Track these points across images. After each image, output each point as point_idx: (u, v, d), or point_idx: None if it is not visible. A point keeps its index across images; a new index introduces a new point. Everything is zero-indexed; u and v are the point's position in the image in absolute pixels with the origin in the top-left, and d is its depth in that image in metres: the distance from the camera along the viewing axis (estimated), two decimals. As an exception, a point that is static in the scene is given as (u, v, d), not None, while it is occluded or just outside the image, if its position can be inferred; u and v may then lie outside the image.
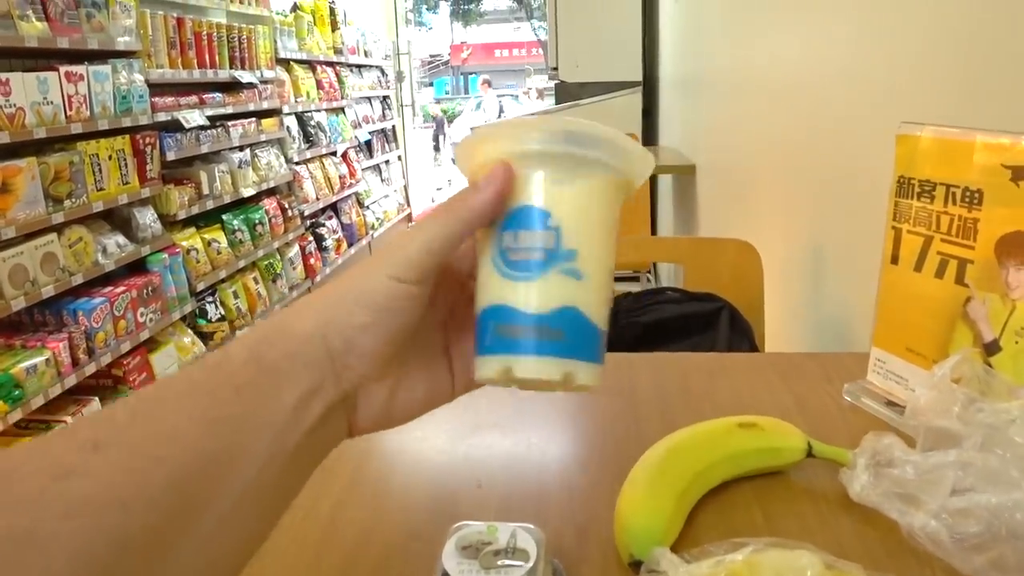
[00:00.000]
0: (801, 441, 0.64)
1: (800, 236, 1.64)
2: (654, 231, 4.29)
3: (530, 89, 17.27)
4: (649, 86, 4.71)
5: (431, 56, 30.56)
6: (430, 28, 30.01)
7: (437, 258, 0.40)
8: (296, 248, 4.56)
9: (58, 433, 0.35)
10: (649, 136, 4.71)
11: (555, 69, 4.83)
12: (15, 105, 2.43)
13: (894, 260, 0.77)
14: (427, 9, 28.65)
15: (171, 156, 3.28)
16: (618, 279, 1.43)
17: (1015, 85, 0.84)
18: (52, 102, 2.59)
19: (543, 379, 0.39)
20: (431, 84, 30.49)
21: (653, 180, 4.58)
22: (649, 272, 3.61)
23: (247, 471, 0.37)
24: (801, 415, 0.77)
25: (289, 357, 0.38)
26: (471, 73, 32.65)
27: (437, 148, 11.98)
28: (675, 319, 1.19)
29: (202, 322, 3.48)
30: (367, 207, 6.08)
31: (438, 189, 9.04)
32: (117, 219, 3.03)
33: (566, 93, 4.88)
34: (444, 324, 0.46)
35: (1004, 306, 0.68)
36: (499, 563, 0.47)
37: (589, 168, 0.40)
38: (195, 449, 0.35)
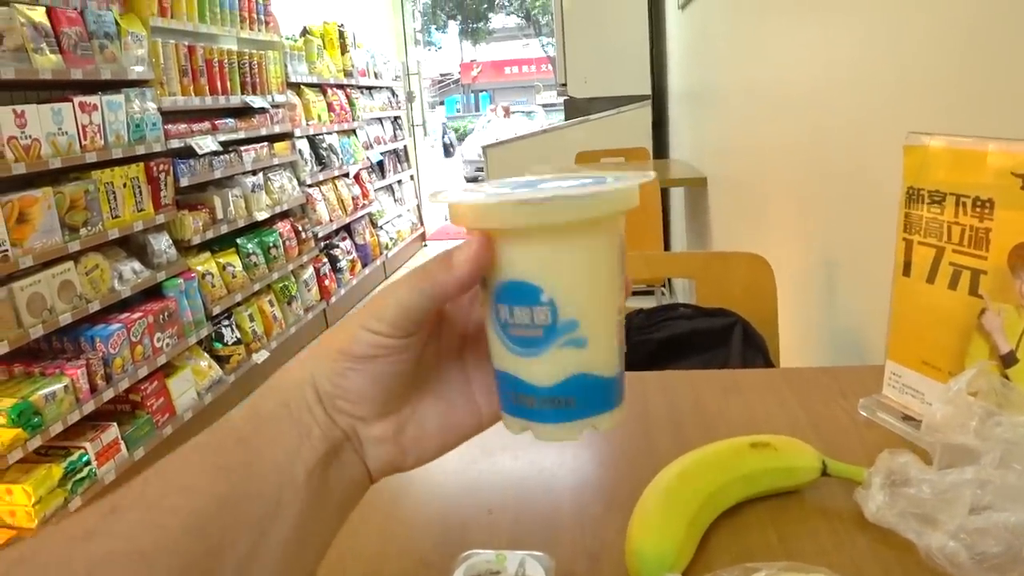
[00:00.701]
0: (815, 460, 0.63)
1: (813, 248, 1.62)
2: (666, 244, 4.28)
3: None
4: (658, 99, 4.72)
5: (441, 75, 30.79)
6: (439, 48, 30.26)
7: (414, 317, 0.40)
8: (311, 270, 4.59)
9: (78, 510, 0.37)
10: (660, 149, 4.71)
11: (564, 85, 4.85)
12: (31, 136, 2.47)
13: (906, 272, 0.76)
14: (436, 29, 28.91)
15: (185, 182, 3.31)
16: (631, 294, 1.42)
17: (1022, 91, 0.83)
18: (67, 132, 2.63)
19: (563, 439, 0.41)
20: (442, 103, 30.70)
21: (665, 193, 4.58)
22: (664, 286, 3.60)
23: (262, 512, 0.38)
24: (815, 432, 0.75)
25: (284, 405, 0.41)
26: (481, 91, 32.86)
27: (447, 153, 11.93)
28: (688, 335, 1.18)
29: (218, 346, 3.49)
30: (380, 227, 6.10)
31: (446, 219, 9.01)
32: (133, 246, 3.06)
33: (575, 108, 4.90)
34: (460, 355, 0.46)
35: (1020, 316, 0.67)
36: None
37: (575, 232, 0.38)
38: (208, 494, 0.37)
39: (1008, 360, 0.69)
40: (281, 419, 0.40)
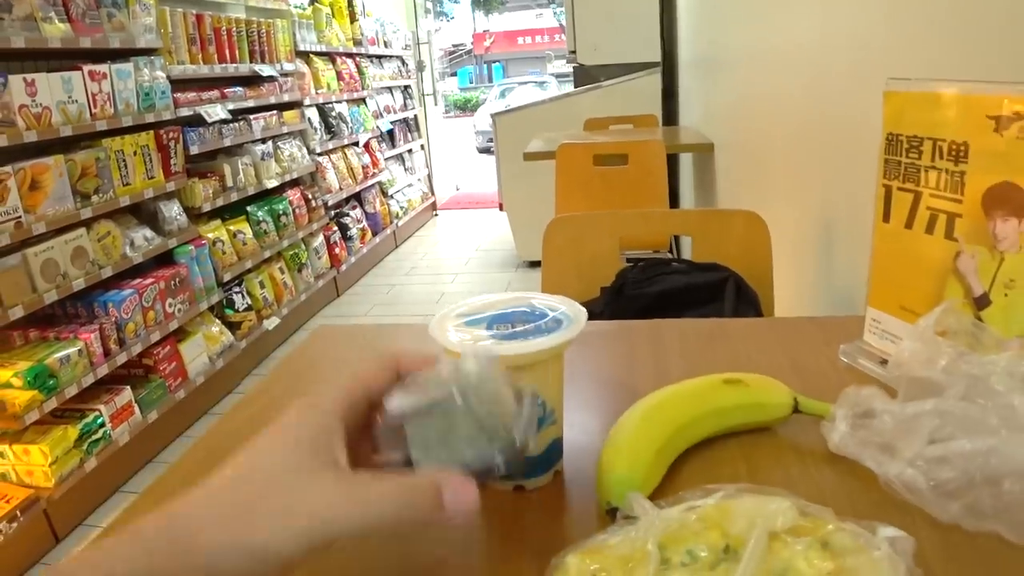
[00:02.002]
0: (787, 396, 0.65)
1: (811, 207, 1.63)
2: (674, 208, 4.27)
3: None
4: (668, 66, 4.68)
5: (454, 46, 30.57)
6: (452, 18, 29.99)
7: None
8: (321, 238, 4.62)
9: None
10: (669, 116, 4.68)
11: (573, 52, 4.81)
12: (41, 105, 2.49)
13: (885, 218, 0.77)
14: (449, -1, 28.61)
15: (195, 150, 3.33)
16: (636, 260, 1.43)
17: (1006, 36, 0.83)
18: (77, 101, 2.65)
19: (544, 483, 0.59)
20: (454, 74, 30.51)
21: (674, 159, 4.56)
22: (670, 252, 3.60)
23: None
24: (797, 376, 0.77)
25: None
26: (494, 61, 32.62)
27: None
28: (681, 290, 1.20)
29: (230, 312, 3.54)
30: (391, 196, 6.12)
31: (457, 188, 8.98)
32: (144, 213, 3.09)
33: (585, 76, 4.87)
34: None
35: (993, 259, 0.68)
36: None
37: (553, 359, 0.56)
38: None
39: (981, 302, 0.70)
40: None
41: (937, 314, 0.63)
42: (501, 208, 4.97)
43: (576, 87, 4.93)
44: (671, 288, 1.17)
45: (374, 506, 0.39)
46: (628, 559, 0.43)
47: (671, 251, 3.22)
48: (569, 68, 5.27)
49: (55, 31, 2.56)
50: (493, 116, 4.87)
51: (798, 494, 0.50)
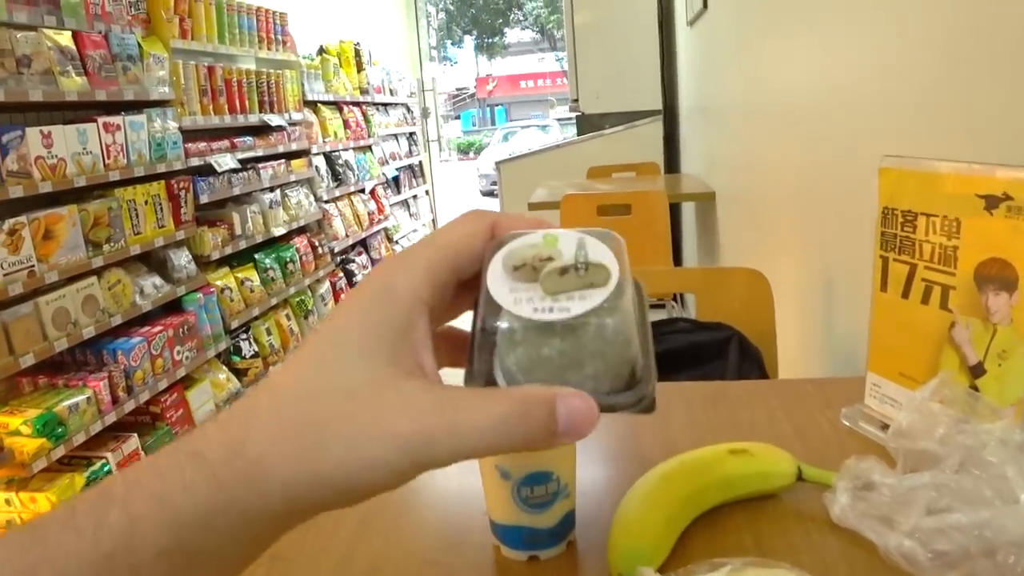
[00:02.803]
0: (791, 465, 0.67)
1: (813, 264, 1.66)
2: (677, 257, 4.32)
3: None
4: (670, 114, 4.76)
5: (457, 89, 31.00)
6: (455, 63, 30.47)
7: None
8: (327, 285, 4.66)
9: None
10: (671, 163, 4.75)
11: (575, 101, 4.91)
12: (57, 156, 2.55)
13: (883, 287, 0.80)
14: (452, 44, 29.10)
15: (204, 199, 3.39)
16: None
17: (997, 116, 0.87)
18: (91, 152, 2.71)
19: (557, 554, 0.62)
20: (458, 117, 30.87)
21: (675, 208, 4.61)
22: (675, 299, 3.63)
23: None
24: (799, 440, 0.79)
25: (233, 542, 0.32)
26: (497, 105, 33.04)
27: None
28: (686, 348, 1.22)
29: (236, 359, 3.56)
30: (396, 242, 6.18)
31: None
32: (153, 261, 3.14)
33: (588, 124, 4.95)
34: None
35: (986, 330, 0.71)
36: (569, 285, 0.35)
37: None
38: None
39: (977, 371, 0.73)
40: (229, 558, 0.32)
41: (933, 385, 0.66)
42: (505, 254, 5.01)
43: (579, 134, 5.01)
44: (676, 347, 1.20)
45: (475, 423, 0.32)
46: None
47: (675, 299, 3.26)
48: (570, 113, 5.37)
49: (72, 85, 2.63)
50: (498, 163, 4.94)
51: (802, 563, 0.52)
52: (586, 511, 0.65)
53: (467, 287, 0.38)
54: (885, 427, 0.80)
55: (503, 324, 0.34)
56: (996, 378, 0.71)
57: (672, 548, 0.59)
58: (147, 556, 0.29)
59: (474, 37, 29.03)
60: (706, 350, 1.19)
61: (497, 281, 0.35)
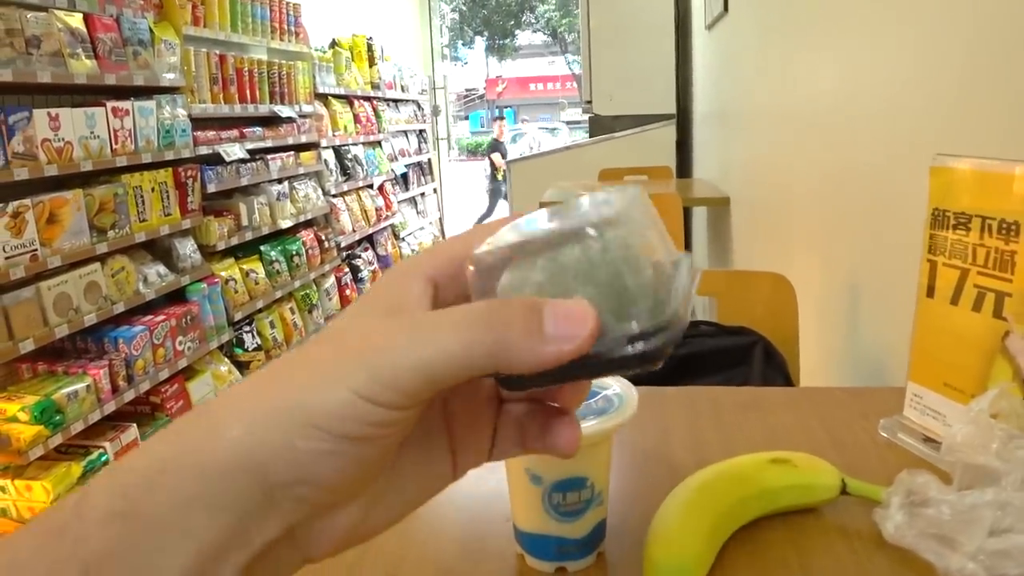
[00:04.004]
0: (835, 478, 0.63)
1: (836, 270, 1.62)
2: (688, 263, 4.26)
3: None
4: (683, 119, 4.73)
5: (466, 90, 31.00)
6: (465, 63, 30.46)
7: (444, 383, 0.28)
8: (332, 279, 4.62)
9: None
10: (684, 168, 4.71)
11: (589, 102, 4.87)
12: (64, 139, 2.52)
13: (930, 293, 0.76)
14: (463, 44, 29.10)
15: (212, 188, 3.36)
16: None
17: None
18: (99, 136, 2.68)
19: (588, 565, 0.58)
20: (466, 118, 30.87)
21: (688, 212, 4.57)
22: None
23: None
24: (836, 450, 0.75)
25: (184, 506, 0.26)
26: (506, 107, 33.06)
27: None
28: (709, 353, 1.18)
29: (239, 351, 3.53)
30: (402, 239, 6.14)
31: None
32: (158, 249, 3.10)
33: (600, 126, 4.91)
34: (446, 406, 0.34)
35: (1044, 341, 0.67)
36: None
37: (604, 441, 0.56)
38: None
39: (1032, 384, 0.69)
40: (170, 532, 0.26)
41: (991, 397, 0.62)
42: (512, 254, 4.97)
43: (591, 136, 4.97)
44: (698, 351, 1.16)
45: (440, 322, 0.28)
46: None
47: (684, 304, 3.21)
48: (581, 116, 5.33)
49: (81, 67, 2.60)
50: (508, 163, 4.90)
51: (850, 584, 0.48)
52: (614, 520, 0.61)
53: None
54: (927, 440, 0.76)
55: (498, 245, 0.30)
56: (1053, 392, 0.67)
57: (712, 563, 0.55)
58: (94, 520, 0.26)
59: (485, 38, 29.02)
60: (730, 355, 1.15)
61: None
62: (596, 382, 0.58)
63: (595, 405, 0.55)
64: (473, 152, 24.15)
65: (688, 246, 4.59)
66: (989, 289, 0.70)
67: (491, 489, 0.70)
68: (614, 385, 0.57)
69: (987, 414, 0.61)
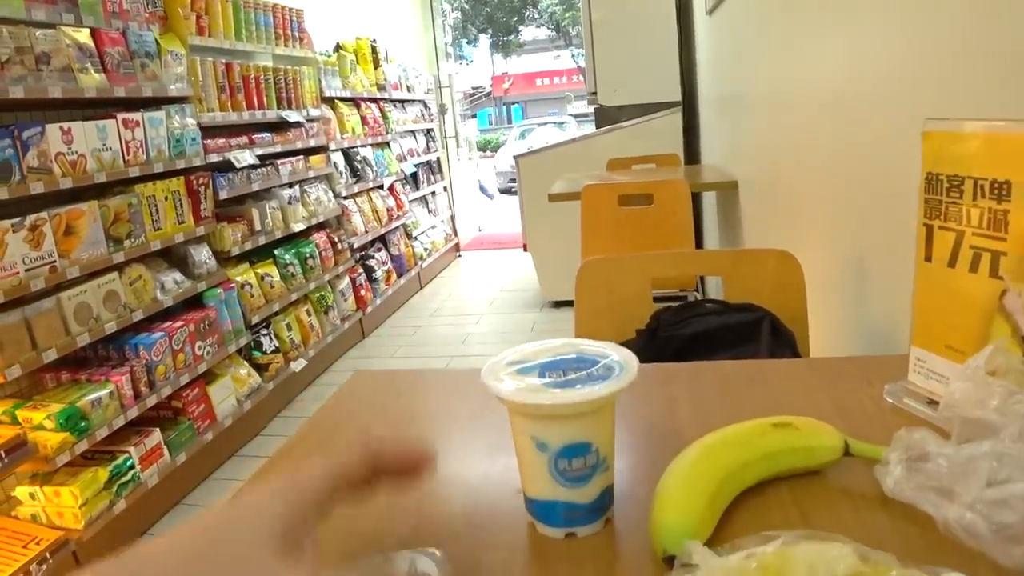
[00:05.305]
0: (837, 439, 0.64)
1: (842, 245, 1.62)
2: (699, 247, 4.27)
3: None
4: (689, 105, 4.71)
5: (473, 88, 31.00)
6: (471, 61, 30.45)
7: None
8: (347, 280, 4.65)
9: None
10: (691, 154, 4.70)
11: (594, 94, 4.87)
12: (77, 152, 2.56)
13: (927, 258, 0.77)
14: (467, 43, 29.09)
15: (224, 195, 3.39)
16: (663, 298, 1.44)
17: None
18: (111, 148, 2.72)
19: (597, 531, 0.59)
20: (474, 116, 30.91)
21: (696, 197, 4.56)
22: (697, 291, 3.59)
23: None
24: (841, 417, 0.76)
25: None
26: (513, 103, 33.02)
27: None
28: (716, 330, 1.19)
29: (257, 354, 3.56)
30: (415, 238, 6.17)
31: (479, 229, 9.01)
32: (174, 257, 3.14)
33: (606, 117, 4.91)
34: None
35: (1041, 298, 0.68)
36: None
37: (608, 406, 0.57)
38: None
39: (1031, 341, 0.70)
40: None
41: (987, 354, 0.63)
42: (525, 248, 4.99)
43: (597, 127, 4.97)
44: (705, 329, 1.17)
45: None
46: None
47: (697, 290, 3.22)
48: (588, 108, 5.33)
49: (91, 81, 2.64)
50: (516, 158, 4.92)
51: (854, 539, 0.49)
52: (621, 487, 0.63)
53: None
54: (931, 403, 0.77)
55: None
56: (1051, 348, 0.68)
57: (716, 524, 0.57)
58: None
59: (489, 35, 29.00)
60: (738, 332, 1.16)
61: None
62: (595, 351, 0.59)
63: (596, 372, 0.56)
64: (483, 149, 24.17)
65: (699, 230, 4.59)
66: (985, 249, 0.71)
67: (503, 465, 0.72)
68: (613, 353, 0.59)
69: (983, 371, 0.62)
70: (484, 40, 29.52)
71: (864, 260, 1.47)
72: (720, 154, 3.84)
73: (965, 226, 0.72)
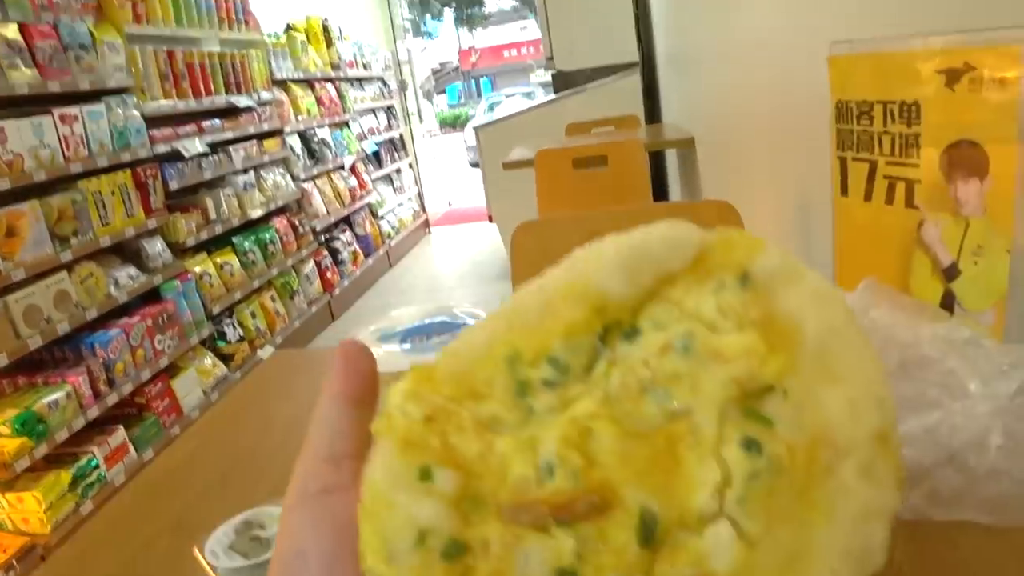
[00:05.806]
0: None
1: (787, 192, 1.59)
2: (665, 210, 4.23)
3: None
4: (648, 65, 4.65)
5: (441, 64, 30.66)
6: (436, 37, 30.09)
7: None
8: (311, 264, 4.59)
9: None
10: (652, 114, 4.65)
11: (551, 59, 4.79)
12: (12, 151, 2.47)
13: (843, 191, 0.74)
14: (432, 18, 28.73)
15: (174, 185, 3.31)
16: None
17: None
18: (49, 145, 2.63)
19: None
20: (443, 92, 30.60)
21: (659, 156, 4.53)
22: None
23: None
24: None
25: None
26: (482, 76, 32.73)
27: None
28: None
29: (221, 344, 3.51)
30: (381, 217, 6.10)
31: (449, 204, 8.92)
32: (127, 252, 3.06)
33: (566, 82, 4.84)
34: None
35: (957, 226, 0.64)
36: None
37: None
38: None
39: (950, 273, 0.67)
40: None
41: (858, 292, 0.59)
42: (491, 220, 4.95)
43: (556, 92, 4.90)
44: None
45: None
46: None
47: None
48: (548, 76, 5.25)
49: (21, 77, 2.54)
50: (476, 129, 4.84)
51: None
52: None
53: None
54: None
55: None
56: (972, 279, 0.65)
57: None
58: None
59: (453, 9, 28.64)
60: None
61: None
62: (467, 312, 0.56)
63: None
64: (452, 125, 23.95)
65: (662, 188, 4.56)
66: (899, 178, 0.68)
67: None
68: (484, 315, 0.56)
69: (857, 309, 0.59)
70: (449, 14, 29.16)
71: (807, 206, 1.44)
72: (678, 112, 3.80)
73: (878, 155, 0.69)
